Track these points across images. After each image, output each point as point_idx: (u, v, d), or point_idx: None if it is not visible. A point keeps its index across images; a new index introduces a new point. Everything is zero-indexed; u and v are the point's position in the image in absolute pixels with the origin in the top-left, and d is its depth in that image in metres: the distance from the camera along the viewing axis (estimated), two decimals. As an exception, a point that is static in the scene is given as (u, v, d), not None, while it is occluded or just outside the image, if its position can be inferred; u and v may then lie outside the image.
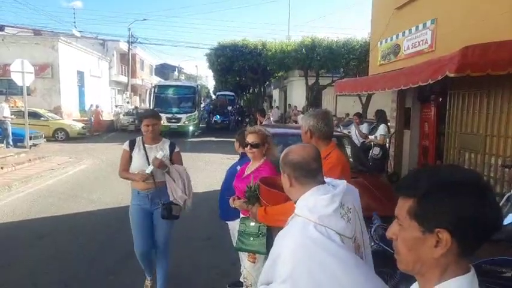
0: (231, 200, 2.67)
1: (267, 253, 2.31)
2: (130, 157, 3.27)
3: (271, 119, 14.74)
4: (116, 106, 27.22)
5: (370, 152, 7.32)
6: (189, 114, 18.97)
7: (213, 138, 18.32)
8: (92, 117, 19.92)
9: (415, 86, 5.00)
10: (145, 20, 32.10)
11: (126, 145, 3.32)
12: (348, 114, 16.46)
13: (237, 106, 30.00)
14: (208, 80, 63.09)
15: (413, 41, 6.82)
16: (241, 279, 3.42)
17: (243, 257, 2.95)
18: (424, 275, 0.88)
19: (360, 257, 1.50)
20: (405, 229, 0.89)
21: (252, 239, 2.47)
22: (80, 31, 29.29)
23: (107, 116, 23.09)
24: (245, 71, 23.40)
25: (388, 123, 8.73)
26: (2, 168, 8.76)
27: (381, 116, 7.83)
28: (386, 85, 6.08)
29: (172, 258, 3.49)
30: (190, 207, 3.33)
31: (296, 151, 1.59)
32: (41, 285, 3.72)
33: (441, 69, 4.22)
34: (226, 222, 3.45)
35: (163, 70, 50.35)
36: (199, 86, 23.17)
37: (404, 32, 7.13)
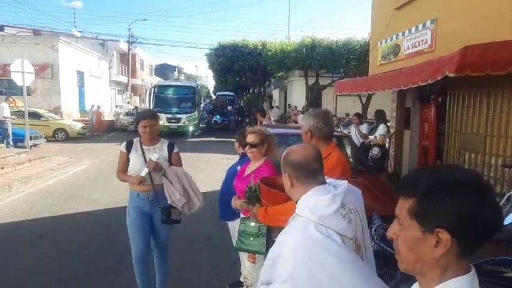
0: (233, 200, 2.67)
1: (266, 253, 2.31)
2: (128, 159, 3.17)
3: (272, 118, 14.73)
4: (116, 106, 27.22)
5: (370, 152, 7.32)
6: (189, 115, 18.95)
7: (213, 139, 18.31)
8: (94, 118, 19.94)
9: (415, 86, 5.00)
10: (145, 20, 32.21)
11: (123, 146, 3.22)
12: (347, 114, 16.45)
13: (237, 106, 30.01)
14: (208, 80, 63.11)
15: (413, 41, 6.82)
16: (241, 279, 3.42)
17: (243, 257, 2.95)
18: (425, 275, 0.89)
19: (361, 257, 1.50)
20: (405, 229, 0.89)
21: (252, 239, 2.47)
22: (79, 31, 29.33)
23: (107, 116, 23.10)
24: (245, 71, 23.40)
25: (388, 123, 8.74)
26: (2, 168, 8.76)
27: (380, 116, 7.84)
28: (386, 85, 6.08)
29: (172, 257, 3.49)
30: (201, 205, 3.25)
31: (297, 151, 1.59)
32: (41, 284, 3.72)
33: (441, 69, 4.23)
34: (227, 222, 3.45)
35: (163, 70, 50.35)
36: (199, 86, 23.17)
37: (404, 32, 7.13)
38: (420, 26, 6.58)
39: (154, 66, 45.01)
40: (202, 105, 27.18)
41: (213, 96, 40.71)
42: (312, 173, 1.53)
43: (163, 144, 3.26)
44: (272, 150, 2.85)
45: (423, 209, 0.85)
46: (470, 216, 0.81)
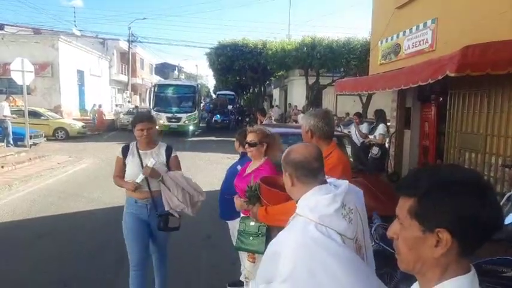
0: (235, 199, 2.67)
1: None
2: (125, 164, 3.06)
3: (273, 118, 14.73)
4: (116, 105, 27.23)
5: (370, 151, 7.33)
6: (189, 114, 18.91)
7: (213, 138, 18.31)
8: (96, 117, 19.95)
9: (415, 85, 5.00)
10: (145, 18, 32.31)
11: (119, 152, 3.12)
12: (348, 114, 16.46)
13: (237, 105, 30.01)
14: (208, 79, 63.11)
15: (414, 41, 6.82)
16: (241, 279, 3.42)
17: (243, 256, 2.95)
18: (425, 274, 0.89)
19: (362, 258, 1.50)
20: (406, 228, 0.89)
21: (251, 238, 2.46)
22: (80, 30, 29.37)
23: (108, 115, 23.11)
24: (245, 70, 23.39)
25: (388, 123, 8.75)
26: (2, 167, 8.76)
27: (380, 116, 7.86)
28: (387, 85, 6.08)
29: (171, 257, 3.48)
30: (203, 199, 3.15)
31: (298, 150, 1.59)
32: (41, 284, 3.72)
33: (441, 69, 4.23)
34: (226, 221, 3.45)
35: (163, 69, 50.32)
36: (199, 85, 23.13)
37: (404, 31, 7.13)
38: (421, 26, 6.58)
39: (154, 66, 45.00)
40: (202, 105, 27.16)
41: (213, 96, 40.75)
42: (312, 172, 1.53)
43: (161, 147, 3.14)
44: (273, 150, 2.84)
45: (423, 208, 0.85)
46: (470, 216, 0.81)
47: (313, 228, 1.37)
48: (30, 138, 12.08)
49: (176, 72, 52.04)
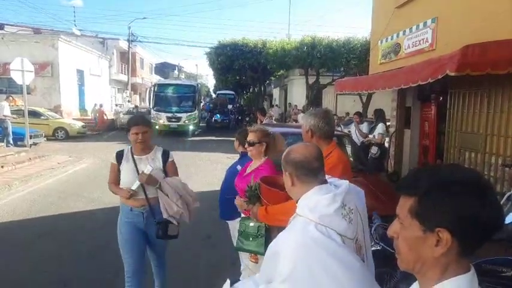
0: (235, 200, 2.66)
1: (264, 254, 2.31)
2: (120, 170, 2.93)
3: (273, 117, 14.72)
4: (116, 105, 27.23)
5: (369, 151, 7.34)
6: (189, 113, 18.88)
7: (213, 138, 18.30)
8: (97, 116, 19.95)
9: (415, 85, 5.00)
10: (145, 18, 32.31)
11: (113, 158, 2.98)
12: (348, 113, 16.46)
13: (237, 105, 30.01)
14: (208, 78, 63.13)
15: (414, 40, 6.82)
16: (241, 279, 3.42)
17: (243, 256, 2.95)
18: (425, 274, 0.89)
19: (362, 258, 1.50)
20: (406, 228, 0.89)
21: (251, 239, 2.46)
22: (79, 29, 29.35)
23: (108, 114, 23.11)
24: (245, 69, 23.38)
25: (388, 123, 8.76)
26: (2, 167, 8.76)
27: (379, 115, 7.88)
28: (387, 84, 6.08)
29: (171, 257, 3.48)
30: (198, 205, 3.04)
31: (298, 150, 1.59)
32: (41, 284, 3.72)
33: (441, 68, 4.22)
34: (226, 221, 3.45)
35: (163, 69, 50.30)
36: (199, 85, 23.09)
37: (404, 30, 7.13)
38: (421, 25, 6.58)
39: (154, 65, 44.99)
40: (202, 104, 27.14)
41: (213, 95, 40.73)
42: (313, 171, 1.53)
43: (157, 152, 2.98)
44: (274, 150, 2.84)
45: (424, 208, 0.85)
46: (470, 216, 0.81)
47: (313, 228, 1.37)
48: (30, 138, 12.07)
49: (176, 71, 52.04)
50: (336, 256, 1.32)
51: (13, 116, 12.16)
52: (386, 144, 8.43)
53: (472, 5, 5.38)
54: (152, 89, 20.32)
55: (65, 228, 5.31)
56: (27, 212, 6.01)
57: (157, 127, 18.51)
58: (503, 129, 5.18)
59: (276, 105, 25.93)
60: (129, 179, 2.86)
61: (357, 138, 7.97)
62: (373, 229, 2.82)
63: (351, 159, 5.55)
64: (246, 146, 2.85)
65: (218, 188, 3.56)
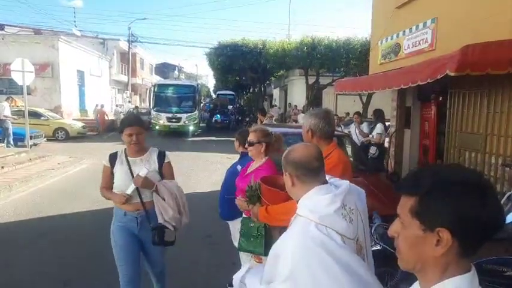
0: (236, 200, 2.67)
1: (264, 254, 2.31)
2: (113, 173, 2.79)
3: (274, 117, 14.72)
4: (116, 105, 27.23)
5: (369, 151, 7.38)
6: (189, 114, 18.85)
7: (213, 138, 18.31)
8: (98, 117, 19.96)
9: (415, 85, 5.00)
10: (145, 19, 32.26)
11: (106, 160, 2.83)
12: (348, 114, 16.46)
13: (237, 105, 30.01)
14: (208, 79, 63.14)
15: (414, 40, 6.82)
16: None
17: (243, 256, 2.95)
18: (425, 273, 0.89)
19: (362, 258, 1.50)
20: (406, 227, 0.89)
21: (252, 239, 2.47)
22: (80, 30, 29.34)
23: (108, 115, 23.11)
24: (245, 70, 23.37)
25: (388, 123, 8.78)
26: (2, 167, 8.76)
27: (379, 116, 7.94)
28: (387, 84, 6.08)
29: (171, 256, 3.48)
30: (187, 222, 2.86)
31: (298, 150, 1.59)
32: (41, 284, 3.73)
33: (441, 68, 4.22)
34: (227, 221, 3.45)
35: (163, 69, 50.32)
36: (199, 85, 23.09)
37: (404, 31, 7.13)
38: (421, 25, 6.58)
39: (154, 66, 45.01)
40: (202, 105, 27.15)
41: (213, 96, 40.76)
42: (313, 171, 1.53)
43: (153, 153, 2.84)
44: (274, 150, 2.84)
45: (424, 208, 0.85)
46: (471, 216, 0.81)
47: (313, 229, 1.37)
48: (31, 139, 12.08)
49: (176, 72, 52.01)
50: (336, 256, 1.32)
51: (13, 116, 12.16)
52: (386, 144, 8.46)
53: (471, 5, 5.38)
54: (152, 89, 20.30)
55: (65, 228, 5.31)
56: (28, 212, 6.01)
57: (157, 127, 18.53)
58: (503, 129, 5.18)
59: (275, 105, 25.93)
60: (123, 182, 2.72)
61: (356, 138, 7.99)
62: (373, 229, 2.83)
63: (351, 159, 5.56)
64: (246, 146, 2.86)
65: (218, 188, 3.56)
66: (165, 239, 2.71)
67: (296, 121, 15.79)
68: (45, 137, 14.05)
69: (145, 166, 2.71)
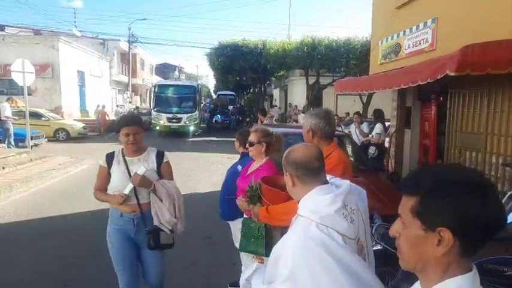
0: (237, 200, 2.67)
1: (265, 255, 2.31)
2: (110, 174, 2.68)
3: (274, 118, 14.74)
4: (117, 106, 27.26)
5: (368, 151, 7.41)
6: (189, 114, 18.84)
7: (214, 138, 18.31)
8: (99, 117, 19.98)
9: (415, 84, 5.00)
10: (145, 19, 32.24)
11: (102, 160, 2.72)
12: (348, 114, 16.46)
13: (238, 106, 30.00)
14: (208, 79, 63.14)
15: (414, 40, 6.82)
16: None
17: (244, 256, 2.95)
18: (426, 273, 0.89)
19: (363, 258, 1.50)
20: (407, 227, 0.89)
21: (252, 240, 2.47)
22: (80, 31, 29.34)
23: (109, 115, 23.13)
24: (245, 70, 23.36)
25: (388, 123, 8.79)
26: (3, 168, 8.77)
27: (378, 116, 7.97)
28: (387, 84, 6.08)
29: (172, 256, 3.47)
30: (182, 230, 2.73)
31: (298, 150, 1.59)
32: (41, 284, 3.73)
33: (441, 68, 4.22)
34: (227, 221, 3.45)
35: (163, 70, 50.35)
36: (199, 86, 23.07)
37: (405, 31, 7.13)
38: (421, 25, 6.58)
39: (154, 66, 45.03)
40: (202, 105, 27.15)
41: (214, 96, 40.75)
42: (313, 171, 1.53)
43: (151, 153, 2.75)
44: (275, 150, 2.84)
45: (425, 208, 0.85)
46: (471, 216, 0.81)
47: (314, 229, 1.37)
48: (31, 139, 12.08)
49: (177, 72, 52.03)
50: (336, 256, 1.32)
51: (14, 117, 12.17)
52: (386, 144, 8.47)
53: (472, 5, 5.38)
54: (152, 89, 20.28)
55: (65, 228, 5.31)
56: (28, 212, 6.01)
57: (157, 128, 18.54)
58: (504, 129, 5.18)
59: (275, 105, 25.93)
60: (120, 182, 2.61)
61: (357, 138, 8.00)
62: (374, 229, 2.83)
63: (351, 159, 5.56)
64: (247, 146, 2.86)
65: (219, 188, 3.56)
66: (162, 242, 2.59)
67: (296, 121, 15.80)
68: (46, 137, 14.06)
69: (144, 165, 2.63)
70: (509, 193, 3.97)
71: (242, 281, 1.75)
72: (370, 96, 16.32)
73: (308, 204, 1.46)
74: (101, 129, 19.38)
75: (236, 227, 3.20)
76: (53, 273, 3.92)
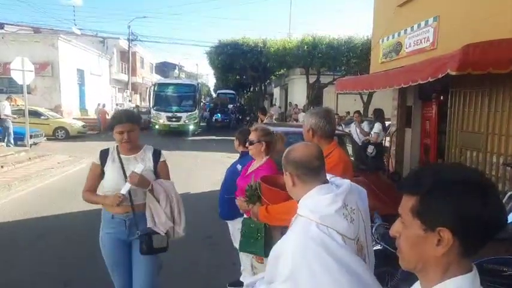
0: (237, 200, 2.66)
1: (264, 255, 2.31)
2: (103, 172, 2.54)
3: (274, 117, 14.76)
4: (117, 104, 27.26)
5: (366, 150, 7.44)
6: (189, 113, 18.83)
7: (214, 137, 18.32)
8: (100, 116, 20.00)
9: (415, 84, 4.99)
10: (145, 17, 32.24)
11: (96, 158, 2.58)
12: (348, 113, 16.46)
13: (238, 104, 30.01)
14: (208, 78, 63.17)
15: (415, 39, 6.80)
16: (241, 279, 3.42)
17: (243, 256, 2.95)
18: (426, 273, 0.89)
19: (363, 258, 1.49)
20: (408, 227, 0.89)
21: (252, 240, 2.46)
22: (80, 29, 29.34)
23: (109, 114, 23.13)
24: (246, 69, 23.36)
25: (388, 122, 8.79)
26: (2, 167, 8.76)
27: (378, 115, 7.99)
28: (387, 83, 6.07)
29: (172, 256, 3.45)
30: (183, 234, 2.56)
31: (298, 149, 1.58)
32: (41, 284, 3.72)
33: (442, 68, 4.21)
34: (226, 221, 3.45)
35: (163, 68, 50.33)
36: (199, 84, 23.06)
37: (406, 29, 7.11)
38: (422, 24, 6.56)
39: (154, 64, 45.03)
40: (202, 104, 27.15)
41: (214, 95, 40.75)
42: (314, 171, 1.52)
43: (147, 151, 2.60)
44: (275, 150, 2.83)
45: (425, 207, 0.85)
46: (471, 216, 0.80)
47: (314, 228, 1.37)
48: (30, 138, 12.08)
49: (176, 71, 52.01)
50: (336, 256, 1.32)
51: (13, 115, 12.17)
52: (387, 144, 8.48)
53: (473, 4, 5.36)
54: (152, 88, 20.26)
55: (65, 228, 5.30)
56: (27, 211, 6.00)
57: (157, 127, 18.54)
58: (505, 128, 5.17)
59: (274, 105, 25.95)
60: (115, 182, 2.46)
61: (357, 137, 8.00)
62: (374, 229, 2.82)
63: (352, 158, 5.55)
64: (247, 145, 2.85)
65: (218, 187, 3.55)
66: (155, 246, 2.40)
67: (296, 120, 15.81)
68: (45, 136, 14.05)
69: (138, 164, 2.48)
70: (510, 193, 3.97)
71: (246, 281, 1.74)
72: (370, 95, 16.31)
73: (308, 203, 1.46)
74: (101, 128, 19.38)
75: (235, 226, 3.19)
76: (53, 273, 3.91)
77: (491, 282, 2.39)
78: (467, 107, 5.94)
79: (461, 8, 5.61)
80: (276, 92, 32.57)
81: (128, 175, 2.42)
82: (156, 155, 2.60)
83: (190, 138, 17.70)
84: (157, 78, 34.83)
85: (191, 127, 18.79)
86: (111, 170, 2.51)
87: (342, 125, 10.47)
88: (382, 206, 3.47)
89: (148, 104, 21.22)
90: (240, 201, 2.53)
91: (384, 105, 8.93)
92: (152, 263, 2.51)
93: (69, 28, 29.45)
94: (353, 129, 8.57)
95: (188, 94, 19.73)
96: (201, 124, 22.85)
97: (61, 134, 16.09)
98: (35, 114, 14.71)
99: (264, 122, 8.08)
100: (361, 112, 9.79)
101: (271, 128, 3.11)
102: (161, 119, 18.46)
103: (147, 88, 30.18)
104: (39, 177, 8.34)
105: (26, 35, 21.98)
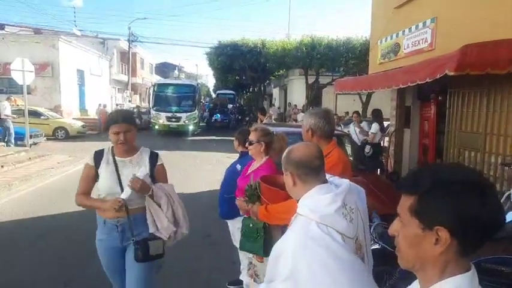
0: (236, 200, 2.67)
1: (264, 255, 2.32)
2: (98, 175, 2.39)
3: (273, 117, 14.76)
4: (117, 105, 27.23)
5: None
6: (189, 113, 18.83)
7: (213, 137, 18.31)
8: (100, 117, 19.98)
9: (414, 84, 5.00)
10: (145, 18, 32.25)
11: (90, 158, 2.43)
12: (347, 113, 16.49)
13: (237, 105, 30.02)
14: (208, 78, 63.09)
15: (413, 40, 6.81)
16: (241, 278, 3.43)
17: (243, 256, 2.96)
18: (425, 272, 0.89)
19: (362, 257, 1.50)
20: (406, 226, 0.90)
21: (252, 240, 2.47)
22: (80, 30, 29.35)
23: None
24: (245, 69, 23.38)
25: (387, 122, 8.82)
26: (2, 166, 8.76)
27: (376, 115, 8.04)
28: (386, 84, 6.08)
29: (171, 255, 3.45)
30: (186, 232, 2.49)
31: (299, 149, 1.59)
32: (41, 284, 3.72)
33: (441, 68, 4.22)
34: (226, 221, 3.46)
35: (163, 69, 50.27)
36: (199, 85, 23.06)
37: (404, 30, 7.12)
38: (420, 25, 6.57)
39: (154, 65, 45.00)
40: (202, 104, 27.14)
41: (213, 95, 40.76)
42: (314, 171, 1.53)
43: (144, 154, 2.46)
44: (278, 150, 2.83)
45: (423, 206, 0.85)
46: (470, 215, 0.81)
47: (314, 228, 1.37)
48: (30, 138, 12.07)
49: (176, 71, 51.90)
50: (336, 255, 1.33)
51: (13, 115, 12.17)
52: (386, 144, 8.50)
53: (471, 5, 5.38)
54: (152, 88, 20.25)
55: (65, 228, 5.30)
56: (27, 211, 6.00)
57: (157, 127, 18.54)
58: (503, 129, 5.18)
59: (273, 105, 25.96)
60: (109, 185, 2.34)
61: (356, 137, 8.03)
62: (372, 228, 2.83)
63: (351, 158, 5.56)
64: (247, 145, 2.86)
65: (218, 187, 3.56)
66: (151, 253, 2.28)
67: (296, 120, 15.80)
68: (45, 136, 14.04)
69: (141, 167, 2.36)
70: (508, 193, 3.97)
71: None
72: (369, 96, 16.33)
73: (308, 203, 1.47)
74: (101, 128, 19.38)
75: (235, 226, 3.20)
76: (53, 273, 3.92)
77: (489, 282, 2.40)
78: (465, 108, 5.96)
79: (459, 9, 5.62)
80: (275, 92, 32.57)
81: (122, 179, 2.31)
82: (153, 158, 2.47)
83: (189, 139, 17.70)
84: (157, 78, 34.78)
85: (191, 127, 18.78)
86: (105, 172, 2.37)
87: (341, 125, 10.49)
88: (380, 205, 3.48)
89: (148, 104, 21.22)
90: (240, 202, 2.54)
91: (383, 106, 8.95)
92: (146, 268, 2.37)
93: (70, 29, 29.51)
94: (352, 129, 8.59)
95: (188, 94, 19.72)
96: (201, 124, 22.83)
97: (61, 134, 16.08)
98: (34, 114, 14.70)
99: (263, 122, 8.10)
100: (360, 112, 9.80)
101: (271, 128, 3.12)
102: (161, 119, 18.46)
103: (147, 89, 30.15)
104: (39, 177, 8.34)
105: (27, 36, 21.96)
